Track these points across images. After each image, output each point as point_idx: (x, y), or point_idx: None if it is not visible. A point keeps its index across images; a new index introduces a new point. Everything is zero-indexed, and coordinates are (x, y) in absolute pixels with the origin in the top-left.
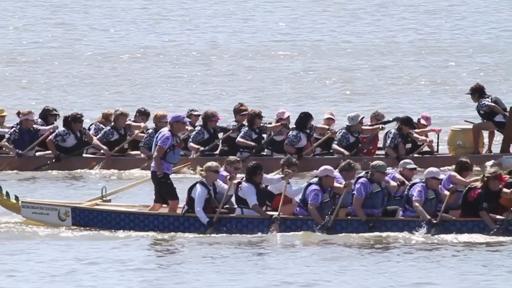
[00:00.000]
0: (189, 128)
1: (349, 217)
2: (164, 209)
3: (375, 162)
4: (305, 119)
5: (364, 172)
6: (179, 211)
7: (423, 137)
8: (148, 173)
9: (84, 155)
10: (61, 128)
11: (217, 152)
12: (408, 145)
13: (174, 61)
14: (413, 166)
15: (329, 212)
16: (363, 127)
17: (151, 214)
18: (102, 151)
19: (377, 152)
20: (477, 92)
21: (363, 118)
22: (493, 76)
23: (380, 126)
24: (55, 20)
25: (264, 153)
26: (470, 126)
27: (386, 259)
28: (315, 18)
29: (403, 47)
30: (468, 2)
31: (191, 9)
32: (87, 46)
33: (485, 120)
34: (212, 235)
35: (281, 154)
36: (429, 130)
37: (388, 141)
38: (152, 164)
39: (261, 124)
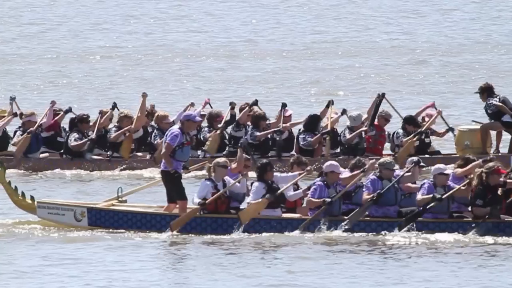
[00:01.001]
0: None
1: (367, 218)
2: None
3: (382, 160)
4: (314, 121)
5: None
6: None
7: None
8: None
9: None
10: (74, 134)
11: (224, 153)
12: (416, 143)
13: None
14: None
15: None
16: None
17: (168, 214)
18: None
19: (383, 152)
20: (486, 91)
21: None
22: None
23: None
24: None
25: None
26: (478, 127)
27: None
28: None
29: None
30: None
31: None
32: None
33: (492, 120)
34: (227, 235)
35: (287, 154)
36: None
37: (399, 142)
38: (162, 164)
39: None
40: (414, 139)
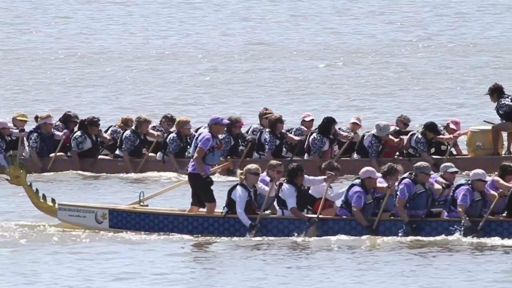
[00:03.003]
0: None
1: (392, 217)
2: (202, 212)
3: (419, 163)
4: (328, 124)
5: (407, 173)
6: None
7: (448, 136)
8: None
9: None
10: (77, 133)
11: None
12: (432, 150)
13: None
14: (455, 169)
15: (372, 214)
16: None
17: (190, 215)
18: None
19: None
20: (496, 92)
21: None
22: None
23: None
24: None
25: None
26: (489, 127)
27: (429, 262)
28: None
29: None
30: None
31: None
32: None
33: (504, 121)
34: (252, 237)
35: (300, 157)
36: (457, 135)
37: (421, 147)
38: (189, 166)
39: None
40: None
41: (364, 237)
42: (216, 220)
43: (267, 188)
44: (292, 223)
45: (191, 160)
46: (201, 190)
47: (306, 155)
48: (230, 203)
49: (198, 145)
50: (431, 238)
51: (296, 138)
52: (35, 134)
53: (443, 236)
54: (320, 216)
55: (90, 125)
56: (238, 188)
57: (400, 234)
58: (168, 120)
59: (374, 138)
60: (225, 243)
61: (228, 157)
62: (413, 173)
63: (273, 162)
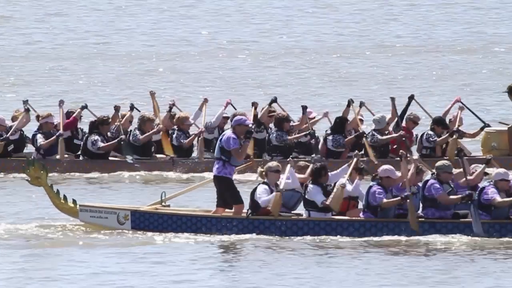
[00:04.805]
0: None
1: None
2: (226, 214)
3: (440, 163)
4: (341, 123)
5: (430, 174)
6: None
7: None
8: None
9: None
10: (93, 137)
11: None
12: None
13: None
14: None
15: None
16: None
17: (213, 217)
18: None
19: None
20: None
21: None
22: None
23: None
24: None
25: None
26: (505, 128)
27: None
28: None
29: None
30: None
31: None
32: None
33: None
34: (278, 238)
35: (308, 156)
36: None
37: (434, 140)
38: (215, 169)
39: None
40: (454, 137)
41: (401, 238)
42: (240, 221)
43: (289, 181)
44: (317, 225)
45: (215, 162)
46: (228, 193)
47: (318, 156)
48: (253, 205)
49: (231, 148)
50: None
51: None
52: (41, 135)
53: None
54: (335, 217)
55: (101, 124)
56: (259, 187)
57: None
58: (170, 117)
59: (375, 132)
60: (249, 245)
61: (251, 156)
62: (436, 173)
63: (302, 163)
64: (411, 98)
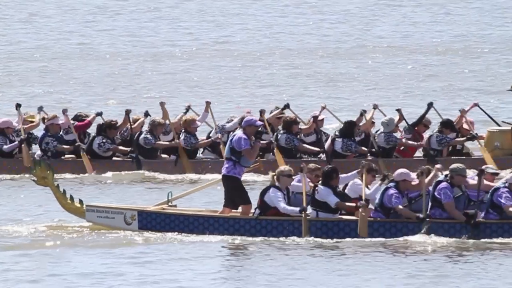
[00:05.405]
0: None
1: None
2: (233, 214)
3: (454, 165)
4: (350, 127)
5: (443, 176)
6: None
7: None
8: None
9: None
10: (99, 139)
11: None
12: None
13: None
14: (495, 171)
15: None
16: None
17: (221, 217)
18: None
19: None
20: None
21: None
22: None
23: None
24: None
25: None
26: (508, 127)
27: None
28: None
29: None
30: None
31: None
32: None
33: None
34: (284, 238)
35: (314, 158)
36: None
37: (445, 142)
38: (224, 169)
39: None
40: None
41: (408, 238)
42: (247, 222)
43: (300, 184)
44: (325, 225)
45: (225, 162)
46: (236, 192)
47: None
48: (263, 205)
49: (243, 148)
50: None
51: (306, 127)
52: (49, 138)
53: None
54: (355, 218)
55: (109, 128)
56: (271, 190)
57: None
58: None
59: (387, 134)
60: (257, 245)
61: (259, 158)
62: (449, 175)
63: (312, 165)
64: (430, 105)
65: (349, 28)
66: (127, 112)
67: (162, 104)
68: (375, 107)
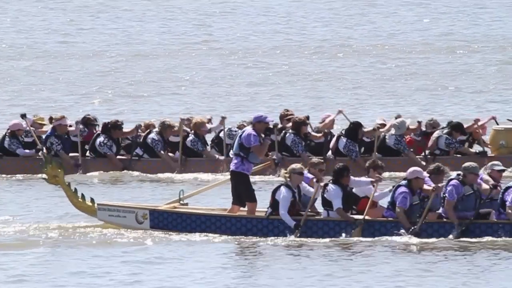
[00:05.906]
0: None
1: (443, 219)
2: (242, 212)
3: (467, 164)
4: (355, 129)
5: (455, 174)
6: (260, 213)
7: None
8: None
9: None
10: (102, 138)
11: None
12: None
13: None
14: (502, 167)
15: (418, 215)
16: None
17: (233, 216)
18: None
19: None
20: None
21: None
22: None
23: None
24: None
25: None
26: None
27: (478, 264)
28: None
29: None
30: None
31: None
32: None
33: None
34: (297, 238)
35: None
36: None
37: (455, 146)
38: (232, 164)
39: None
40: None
41: (411, 239)
42: (259, 221)
43: (311, 189)
44: (337, 225)
45: (233, 158)
46: (244, 189)
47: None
48: (274, 204)
49: (252, 144)
50: (481, 240)
51: (319, 135)
52: (55, 138)
53: (491, 239)
54: (366, 217)
55: (113, 128)
56: (282, 188)
57: (450, 237)
58: (186, 121)
59: (398, 137)
60: (268, 245)
61: (269, 155)
62: (461, 174)
63: (315, 160)
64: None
65: (334, 26)
66: (137, 126)
67: (182, 121)
68: (340, 112)
